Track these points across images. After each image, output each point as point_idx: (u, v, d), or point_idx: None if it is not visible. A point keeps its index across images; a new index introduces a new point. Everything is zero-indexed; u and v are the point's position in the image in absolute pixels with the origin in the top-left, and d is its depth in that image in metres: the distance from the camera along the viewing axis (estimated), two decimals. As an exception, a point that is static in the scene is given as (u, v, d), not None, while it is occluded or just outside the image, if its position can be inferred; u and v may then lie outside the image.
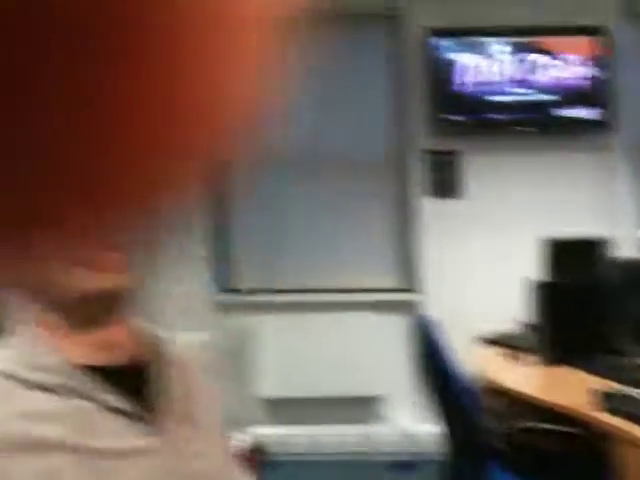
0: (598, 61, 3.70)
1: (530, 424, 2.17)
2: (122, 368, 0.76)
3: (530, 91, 3.74)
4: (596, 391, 2.06)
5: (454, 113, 3.72)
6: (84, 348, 0.74)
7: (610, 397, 2.01)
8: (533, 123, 3.73)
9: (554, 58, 3.73)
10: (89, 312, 0.74)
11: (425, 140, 3.77)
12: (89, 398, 0.71)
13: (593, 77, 3.71)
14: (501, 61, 3.73)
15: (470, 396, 2.12)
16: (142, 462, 0.72)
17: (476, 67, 3.72)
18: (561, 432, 2.13)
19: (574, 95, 3.72)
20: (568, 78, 3.73)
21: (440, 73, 3.71)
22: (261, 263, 3.86)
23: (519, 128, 3.74)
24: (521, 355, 2.81)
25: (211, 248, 3.77)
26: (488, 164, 3.76)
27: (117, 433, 0.72)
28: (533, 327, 2.73)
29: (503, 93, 3.74)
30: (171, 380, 0.81)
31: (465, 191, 3.76)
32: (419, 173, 3.77)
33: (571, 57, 3.72)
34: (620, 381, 2.24)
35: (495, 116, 3.73)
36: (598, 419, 1.91)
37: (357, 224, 3.83)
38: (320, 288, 3.77)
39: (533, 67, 3.73)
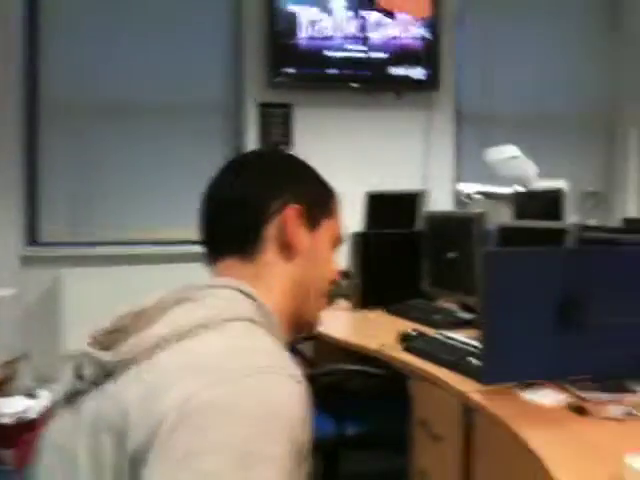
0: (428, 22, 3.81)
1: (336, 366, 2.22)
2: None
3: (364, 48, 3.79)
4: (399, 333, 2.15)
5: (290, 66, 3.70)
6: None
7: (411, 338, 2.10)
8: (365, 80, 3.80)
9: (390, 17, 3.79)
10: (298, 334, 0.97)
11: (261, 92, 3.72)
12: None
13: (423, 38, 3.83)
14: (340, 17, 3.74)
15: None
16: None
17: (315, 21, 3.70)
18: (366, 373, 2.20)
19: (404, 54, 3.82)
20: (400, 37, 3.82)
21: (278, 25, 3.66)
22: (75, 215, 3.66)
23: (351, 84, 3.78)
24: (336, 301, 2.89)
25: (20, 199, 3.52)
26: (318, 118, 3.79)
27: None
28: (349, 274, 2.80)
29: (339, 49, 3.76)
30: None
31: (295, 144, 3.76)
32: (253, 124, 3.72)
33: (405, 17, 3.80)
34: (422, 323, 2.36)
35: (329, 71, 3.75)
36: (399, 359, 1.99)
37: (186, 178, 3.70)
38: (135, 240, 3.66)
39: (370, 24, 3.78)
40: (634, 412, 1.39)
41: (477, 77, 4.17)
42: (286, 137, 3.77)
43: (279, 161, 0.98)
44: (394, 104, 3.87)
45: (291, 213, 0.89)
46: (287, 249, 0.89)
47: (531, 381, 1.58)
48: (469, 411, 1.61)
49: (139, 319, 0.80)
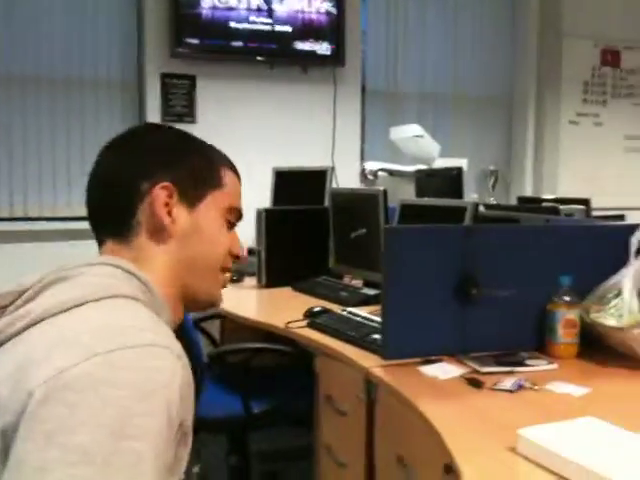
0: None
1: (242, 344, 2.21)
2: None
3: (269, 21, 3.73)
4: (305, 310, 2.15)
5: (193, 37, 3.58)
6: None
7: (316, 315, 2.11)
8: (270, 53, 3.74)
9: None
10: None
11: (162, 63, 3.59)
12: None
13: (328, 12, 3.81)
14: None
15: (185, 319, 2.08)
16: None
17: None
18: (273, 350, 2.20)
19: (309, 28, 3.79)
20: (305, 11, 3.78)
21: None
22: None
23: (257, 57, 3.72)
24: (246, 279, 2.86)
25: None
26: (223, 91, 3.71)
27: None
28: (258, 252, 2.77)
29: (244, 20, 3.68)
30: None
31: (199, 117, 3.67)
32: (154, 96, 3.59)
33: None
34: (329, 300, 2.38)
35: (234, 43, 3.67)
36: (304, 336, 1.99)
37: (85, 152, 3.55)
38: (28, 217, 3.48)
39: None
40: (526, 384, 1.45)
41: (383, 54, 4.20)
42: (189, 109, 3.67)
43: (153, 138, 0.93)
44: (300, 79, 3.83)
45: (159, 193, 0.86)
46: (160, 231, 0.86)
47: (431, 356, 1.63)
48: (371, 386, 1.63)
49: (18, 299, 0.78)
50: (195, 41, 3.59)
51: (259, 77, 3.77)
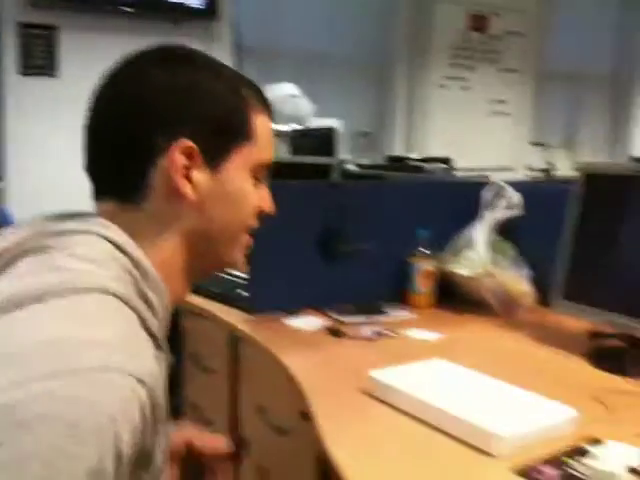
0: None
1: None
2: None
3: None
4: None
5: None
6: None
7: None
8: (137, 4, 3.57)
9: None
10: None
11: (20, 12, 3.33)
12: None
13: (201, -36, 3.68)
14: None
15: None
16: None
17: None
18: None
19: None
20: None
21: None
22: None
23: (125, 8, 3.54)
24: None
25: None
26: (88, 43, 3.50)
27: None
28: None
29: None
30: None
31: (62, 71, 3.46)
32: (12, 48, 3.34)
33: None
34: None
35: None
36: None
37: None
38: None
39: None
40: (384, 331, 1.50)
41: (259, 10, 4.13)
42: (50, 62, 3.44)
43: (170, 72, 0.73)
44: (170, 32, 3.69)
45: (177, 158, 0.71)
46: (176, 198, 0.72)
47: (296, 309, 1.65)
48: (236, 341, 1.63)
49: None
50: (55, -12, 3.36)
51: (126, 29, 3.59)
